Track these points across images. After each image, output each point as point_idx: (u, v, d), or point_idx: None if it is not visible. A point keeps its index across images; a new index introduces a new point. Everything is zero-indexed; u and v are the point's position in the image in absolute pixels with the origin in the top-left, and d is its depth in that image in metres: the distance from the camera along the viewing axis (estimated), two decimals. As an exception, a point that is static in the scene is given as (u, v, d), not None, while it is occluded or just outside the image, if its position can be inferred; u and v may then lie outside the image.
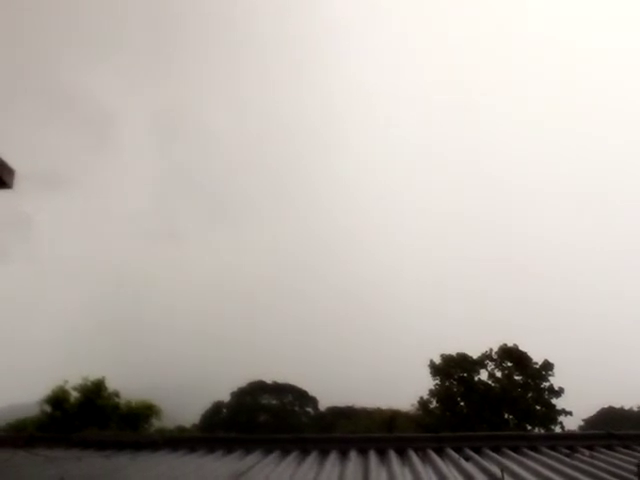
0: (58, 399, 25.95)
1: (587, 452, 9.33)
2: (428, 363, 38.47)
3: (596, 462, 8.52)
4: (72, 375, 27.28)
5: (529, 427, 35.09)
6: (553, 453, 9.31)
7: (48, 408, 25.96)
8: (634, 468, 6.20)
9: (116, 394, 27.24)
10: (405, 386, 43.42)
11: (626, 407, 59.14)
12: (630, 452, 9.33)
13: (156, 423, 27.44)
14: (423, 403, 38.60)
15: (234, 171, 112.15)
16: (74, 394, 26.52)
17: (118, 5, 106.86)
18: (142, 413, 26.76)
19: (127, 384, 32.73)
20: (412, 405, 40.28)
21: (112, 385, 27.58)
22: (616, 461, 8.52)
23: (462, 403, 37.72)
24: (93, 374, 27.28)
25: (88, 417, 25.37)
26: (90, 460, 9.62)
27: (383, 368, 60.43)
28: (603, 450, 9.53)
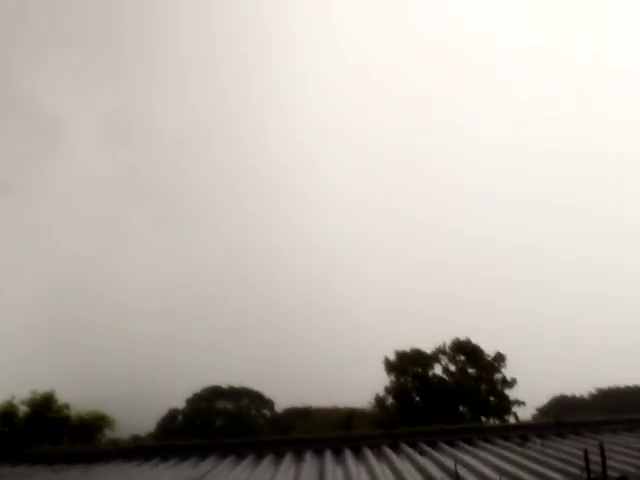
0: (5, 414, 25.18)
1: (538, 441, 9.52)
2: (383, 360, 38.68)
3: (546, 450, 8.71)
4: (19, 385, 26.51)
5: (484, 419, 35.57)
6: (506, 443, 9.47)
7: (-6, 424, 25.17)
8: (581, 453, 6.34)
9: (66, 406, 26.54)
10: (361, 384, 43.48)
11: (577, 395, 60.73)
12: (579, 438, 9.57)
13: (110, 434, 26.81)
14: (379, 400, 38.72)
15: (185, 175, 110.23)
16: (22, 408, 25.77)
17: (64, 4, 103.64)
18: (94, 424, 26.15)
19: (79, 394, 31.94)
20: (369, 403, 40.42)
21: (63, 395, 26.83)
22: (565, 447, 8.73)
23: (418, 398, 38.04)
24: (42, 384, 26.56)
25: (38, 432, 24.67)
26: (39, 476, 9.36)
27: (339, 366, 60.37)
28: (554, 438, 9.76)
